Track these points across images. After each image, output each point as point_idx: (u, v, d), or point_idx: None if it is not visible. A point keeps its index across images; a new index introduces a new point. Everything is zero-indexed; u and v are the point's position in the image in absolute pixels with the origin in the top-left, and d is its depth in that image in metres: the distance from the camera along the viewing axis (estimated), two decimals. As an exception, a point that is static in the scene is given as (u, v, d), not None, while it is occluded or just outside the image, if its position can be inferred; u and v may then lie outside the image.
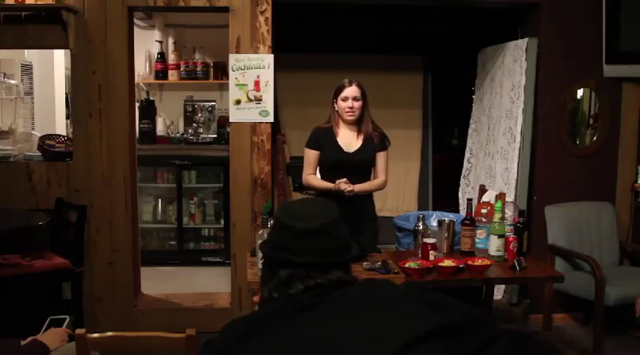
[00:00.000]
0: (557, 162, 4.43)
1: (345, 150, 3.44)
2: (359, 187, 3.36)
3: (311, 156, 3.49)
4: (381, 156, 3.49)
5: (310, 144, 3.50)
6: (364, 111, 3.45)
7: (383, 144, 3.50)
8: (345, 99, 3.40)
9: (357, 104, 3.40)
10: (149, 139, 5.70)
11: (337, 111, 3.45)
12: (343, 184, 3.29)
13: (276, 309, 1.35)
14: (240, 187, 4.16)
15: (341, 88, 3.42)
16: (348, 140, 3.46)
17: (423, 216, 3.44)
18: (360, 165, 3.45)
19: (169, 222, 5.82)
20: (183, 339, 2.02)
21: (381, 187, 3.51)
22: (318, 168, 3.53)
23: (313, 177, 3.51)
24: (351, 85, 3.40)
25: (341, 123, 3.47)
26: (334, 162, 3.43)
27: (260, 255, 2.88)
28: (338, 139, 3.45)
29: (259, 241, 2.89)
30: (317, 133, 3.50)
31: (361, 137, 3.46)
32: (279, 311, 1.33)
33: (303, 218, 1.39)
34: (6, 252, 3.75)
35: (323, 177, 3.50)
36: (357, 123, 3.46)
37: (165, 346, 2.06)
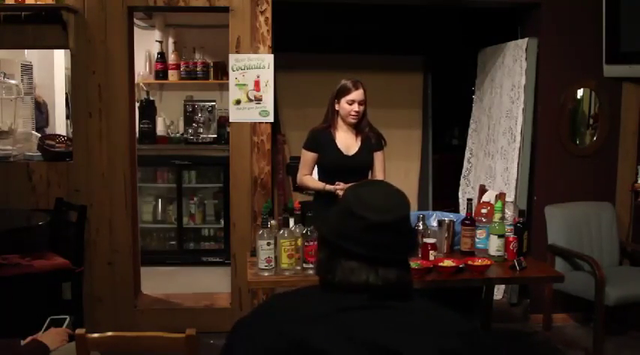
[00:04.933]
0: (557, 162, 4.43)
1: (345, 152, 3.42)
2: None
3: (308, 157, 3.47)
4: (378, 156, 3.47)
5: (308, 146, 3.48)
6: (364, 113, 3.44)
7: (379, 144, 3.48)
8: (351, 102, 3.36)
9: (362, 108, 3.38)
10: (149, 139, 5.70)
11: (338, 111, 3.42)
12: (340, 190, 3.26)
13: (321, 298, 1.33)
14: (240, 187, 4.16)
15: (347, 91, 3.36)
16: (347, 142, 3.44)
17: (423, 216, 3.43)
18: (359, 168, 3.43)
19: (169, 222, 5.82)
20: (183, 339, 2.02)
21: None
22: (316, 170, 3.52)
23: (309, 177, 3.49)
24: (357, 88, 3.36)
25: (339, 125, 3.44)
26: (334, 165, 3.41)
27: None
28: (337, 141, 3.43)
29: (259, 241, 2.89)
30: (315, 135, 3.47)
31: (359, 139, 3.44)
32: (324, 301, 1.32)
33: (377, 209, 1.34)
34: (6, 252, 3.75)
35: (321, 179, 3.48)
36: (356, 125, 3.44)
37: (165, 346, 2.06)
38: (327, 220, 1.41)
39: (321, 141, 3.43)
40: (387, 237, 1.33)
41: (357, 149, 3.43)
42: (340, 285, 1.32)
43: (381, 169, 3.49)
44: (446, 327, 1.32)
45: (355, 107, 3.36)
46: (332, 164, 3.41)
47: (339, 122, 3.44)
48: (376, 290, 1.31)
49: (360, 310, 1.29)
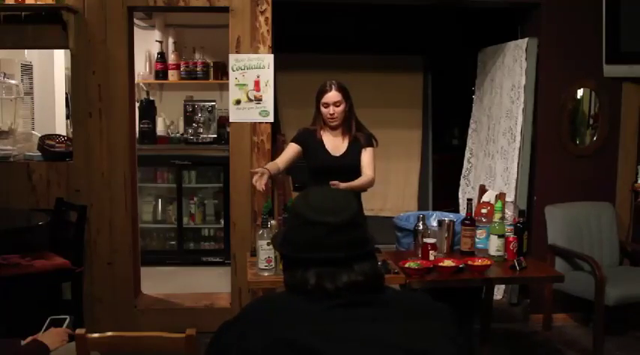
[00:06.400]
0: (557, 162, 4.43)
1: (332, 153, 3.38)
2: (344, 185, 3.09)
3: (290, 148, 3.41)
4: (366, 152, 3.38)
5: (294, 139, 3.44)
6: (348, 113, 3.37)
7: (368, 141, 3.40)
8: (326, 105, 3.32)
9: (339, 109, 3.31)
10: (149, 139, 5.70)
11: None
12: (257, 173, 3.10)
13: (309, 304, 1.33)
14: (240, 187, 4.16)
15: (321, 93, 3.32)
16: (334, 143, 3.40)
17: (423, 216, 3.43)
18: (347, 168, 3.34)
19: (169, 222, 5.82)
20: (183, 339, 2.02)
21: (368, 184, 3.34)
22: (308, 171, 3.48)
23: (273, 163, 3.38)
24: (331, 89, 3.30)
25: (325, 126, 3.40)
26: (322, 166, 3.37)
27: (264, 256, 2.88)
28: (324, 143, 3.40)
29: (259, 241, 2.89)
30: (304, 133, 3.45)
31: (347, 140, 3.40)
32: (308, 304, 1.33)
33: (332, 212, 1.35)
34: (6, 252, 3.75)
35: (311, 181, 3.44)
36: (342, 126, 3.39)
37: (165, 346, 2.06)
38: (285, 240, 1.41)
39: (309, 142, 3.40)
40: (351, 235, 1.35)
41: (344, 150, 3.39)
42: (326, 291, 1.32)
43: (368, 164, 3.37)
44: (443, 314, 1.36)
45: (330, 110, 3.31)
46: (321, 165, 3.38)
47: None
48: (360, 285, 1.33)
49: (349, 308, 1.30)
